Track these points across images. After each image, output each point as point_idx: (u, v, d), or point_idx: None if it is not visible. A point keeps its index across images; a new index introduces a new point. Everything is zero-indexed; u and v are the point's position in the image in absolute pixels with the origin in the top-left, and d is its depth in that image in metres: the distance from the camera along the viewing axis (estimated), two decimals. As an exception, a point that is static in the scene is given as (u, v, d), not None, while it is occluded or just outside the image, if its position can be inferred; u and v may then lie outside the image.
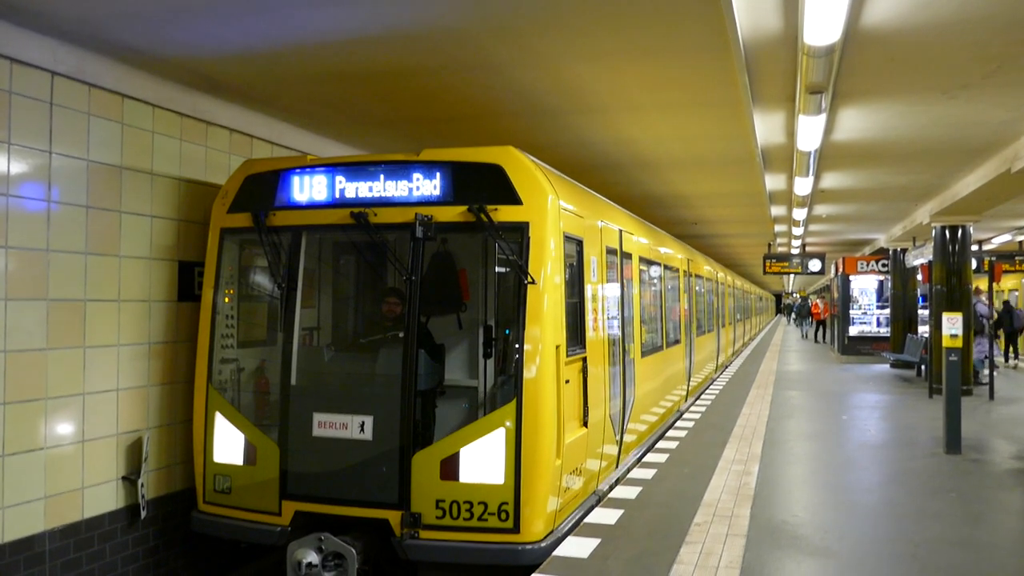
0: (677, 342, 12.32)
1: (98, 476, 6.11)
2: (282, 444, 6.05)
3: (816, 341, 33.37)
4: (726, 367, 20.48)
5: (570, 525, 6.08)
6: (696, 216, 17.57)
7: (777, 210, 16.73)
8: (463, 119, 8.34)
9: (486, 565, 5.61)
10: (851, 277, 23.92)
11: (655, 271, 10.86)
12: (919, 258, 17.48)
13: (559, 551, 5.45)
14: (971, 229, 15.23)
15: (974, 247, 17.05)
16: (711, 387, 15.62)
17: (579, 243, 6.59)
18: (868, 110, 8.33)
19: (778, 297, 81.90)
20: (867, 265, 23.71)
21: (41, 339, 5.63)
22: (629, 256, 8.74)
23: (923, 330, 19.22)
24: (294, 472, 6.01)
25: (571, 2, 5.23)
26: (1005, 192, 12.14)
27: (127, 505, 6.36)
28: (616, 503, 6.65)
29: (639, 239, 9.59)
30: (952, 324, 9.13)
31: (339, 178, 6.22)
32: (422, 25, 5.61)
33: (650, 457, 8.60)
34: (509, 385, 5.76)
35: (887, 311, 22.77)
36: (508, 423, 5.59)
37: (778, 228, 20.56)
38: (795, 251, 23.98)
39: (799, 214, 16.44)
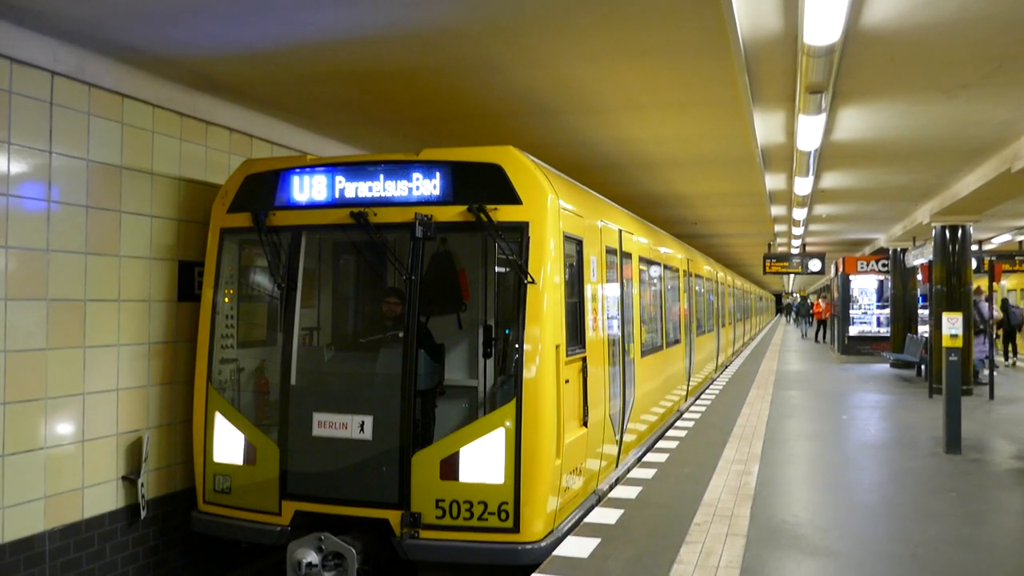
0: (677, 342, 12.32)
1: (98, 476, 6.11)
2: (282, 444, 6.06)
3: (817, 341, 33.38)
4: (726, 367, 20.48)
5: (570, 525, 6.08)
6: (696, 216, 17.57)
7: (777, 210, 16.73)
8: (463, 119, 8.34)
9: (486, 565, 5.61)
10: (851, 277, 23.92)
11: (655, 271, 10.86)
12: (919, 258, 17.48)
13: (559, 551, 5.45)
14: (971, 229, 15.23)
15: (974, 247, 17.04)
16: (711, 387, 15.61)
17: (579, 243, 6.59)
18: (868, 110, 8.33)
19: (778, 297, 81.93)
20: (867, 265, 23.71)
21: (41, 339, 5.63)
22: (629, 256, 8.74)
23: (923, 330, 19.23)
24: (294, 472, 6.01)
25: (571, 2, 5.23)
26: (1005, 192, 12.14)
27: (127, 505, 6.36)
28: (616, 503, 6.65)
29: (639, 239, 9.59)
30: (952, 324, 9.13)
31: (339, 178, 6.22)
32: (422, 25, 5.61)
33: (650, 457, 8.60)
34: (509, 385, 5.76)
35: (887, 311, 22.77)
36: (508, 423, 5.59)
37: (778, 228, 20.56)
38: (795, 251, 23.99)
39: (799, 214, 16.44)
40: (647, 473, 7.77)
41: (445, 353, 6.80)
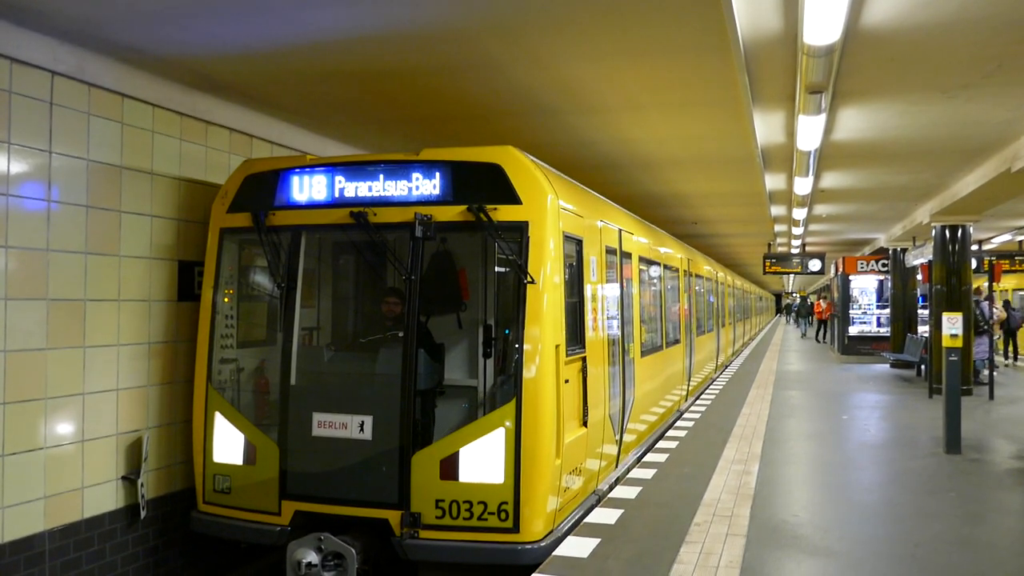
0: (677, 342, 12.32)
1: (98, 476, 6.11)
2: (282, 444, 6.05)
3: (818, 340, 33.40)
4: (726, 367, 20.48)
5: (570, 525, 6.08)
6: (696, 216, 17.57)
7: (777, 210, 16.73)
8: (463, 119, 8.34)
9: (486, 565, 5.61)
10: (851, 277, 23.92)
11: (655, 271, 10.86)
12: (919, 258, 17.47)
13: (559, 551, 5.45)
14: (971, 229, 15.22)
15: (974, 247, 17.04)
16: (711, 387, 15.61)
17: (579, 243, 6.59)
18: (868, 110, 8.33)
19: (778, 297, 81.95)
20: (867, 265, 23.71)
21: (41, 339, 5.63)
22: (629, 256, 8.74)
23: (923, 330, 19.23)
24: (294, 472, 6.01)
25: (572, 2, 5.23)
26: (1005, 192, 12.14)
27: (127, 505, 6.36)
28: (616, 503, 6.65)
29: (639, 239, 9.59)
30: (952, 324, 9.13)
31: (339, 178, 6.22)
32: (422, 24, 5.61)
33: (650, 457, 8.60)
34: (509, 385, 5.76)
35: (887, 311, 22.78)
36: (508, 423, 5.59)
37: (778, 228, 20.56)
38: (795, 251, 23.98)
39: (799, 214, 16.44)
40: (647, 473, 7.77)
41: (445, 353, 6.80)
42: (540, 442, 5.57)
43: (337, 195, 6.22)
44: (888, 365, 20.43)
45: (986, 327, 15.56)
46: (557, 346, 5.80)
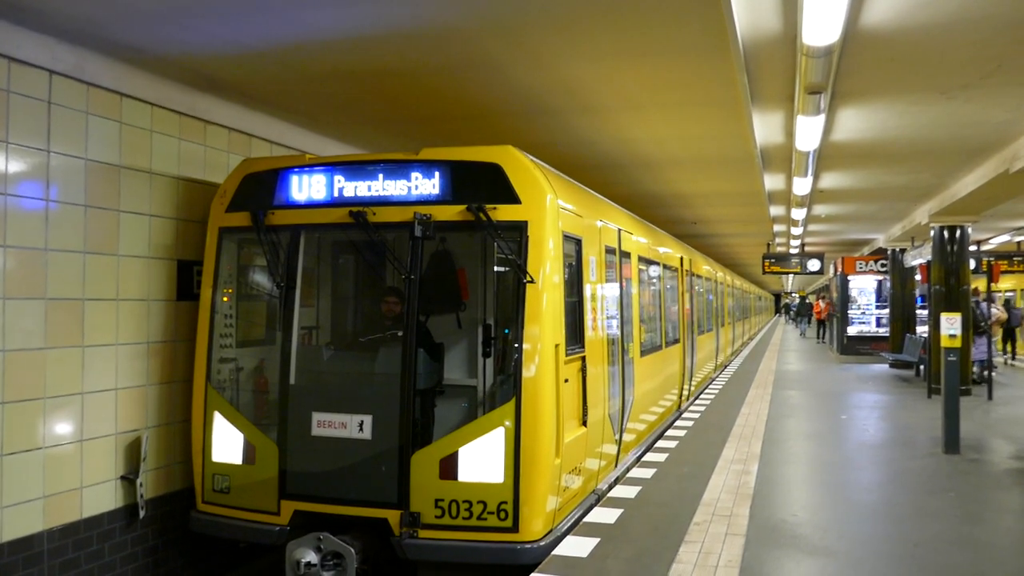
0: (676, 341, 12.32)
1: (97, 476, 6.10)
2: (281, 443, 6.05)
3: (819, 340, 33.45)
4: (725, 366, 20.49)
5: (569, 524, 6.07)
6: (695, 216, 17.58)
7: (776, 210, 16.73)
8: (463, 118, 8.34)
9: (485, 564, 5.61)
10: (850, 277, 23.94)
11: (654, 270, 10.86)
12: (918, 258, 17.49)
13: (558, 550, 5.45)
14: (969, 229, 15.23)
15: (972, 247, 17.05)
16: (710, 386, 15.62)
17: (578, 242, 6.59)
18: (867, 110, 8.33)
19: (777, 297, 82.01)
20: (866, 265, 23.73)
21: (39, 338, 5.62)
22: (628, 255, 8.74)
23: (921, 330, 19.25)
24: (293, 471, 6.00)
25: (571, 2, 5.23)
26: (1004, 192, 12.15)
27: (126, 505, 6.35)
28: (615, 502, 6.65)
29: (638, 238, 9.59)
30: (951, 324, 9.13)
31: (338, 177, 6.22)
32: (422, 24, 5.61)
33: (649, 456, 8.60)
34: (508, 384, 5.76)
35: (886, 311, 22.79)
36: (507, 422, 5.59)
37: (777, 228, 20.56)
38: (794, 251, 23.99)
39: (798, 214, 16.44)
40: (646, 472, 7.77)
41: (444, 352, 6.80)
42: (539, 441, 5.57)
43: (336, 194, 6.21)
44: (887, 365, 20.45)
45: (985, 326, 15.56)
46: (556, 346, 5.80)
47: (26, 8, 5.15)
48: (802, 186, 12.41)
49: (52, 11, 5.23)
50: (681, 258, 13.32)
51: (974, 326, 15.26)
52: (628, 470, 7.96)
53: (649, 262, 10.36)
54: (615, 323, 7.85)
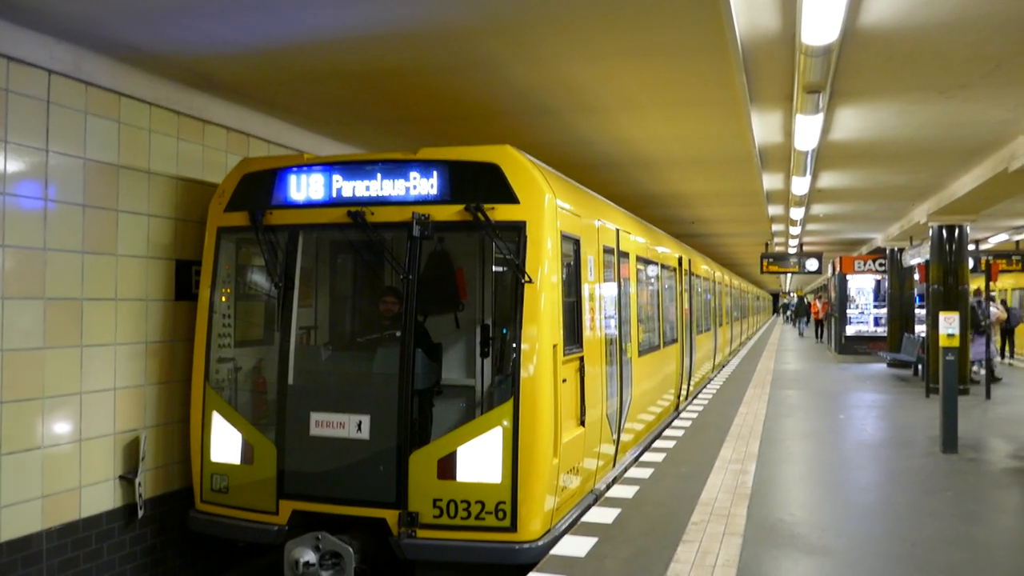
0: (674, 341, 12.32)
1: (95, 475, 6.10)
2: (279, 443, 6.05)
3: (817, 340, 33.49)
4: (724, 366, 20.51)
5: (567, 524, 6.08)
6: (694, 215, 17.58)
7: (774, 209, 16.74)
8: (461, 118, 8.34)
9: (483, 564, 5.61)
10: (848, 276, 23.97)
11: (652, 270, 10.86)
12: (916, 257, 17.50)
13: (556, 550, 5.45)
14: (968, 229, 15.25)
15: (971, 246, 17.07)
16: (709, 386, 15.63)
17: (576, 242, 6.59)
18: (865, 110, 8.34)
19: (775, 297, 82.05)
20: (864, 265, 23.76)
21: (38, 338, 5.61)
22: (626, 255, 8.74)
23: (920, 329, 19.26)
24: (291, 471, 6.00)
25: (571, 2, 5.23)
26: (1002, 192, 12.16)
27: (124, 504, 6.35)
28: (613, 502, 6.66)
29: (636, 238, 9.59)
30: (949, 324, 9.14)
31: (336, 177, 6.21)
32: (421, 24, 5.60)
33: (647, 456, 8.61)
34: (506, 384, 5.76)
35: (884, 310, 22.81)
36: (505, 422, 5.59)
37: (775, 227, 20.58)
38: (792, 250, 24.02)
39: (796, 213, 16.45)
40: (644, 472, 7.78)
41: (442, 352, 6.80)
42: (537, 441, 5.58)
43: (335, 194, 6.21)
44: (885, 364, 20.47)
45: (986, 326, 15.56)
46: (555, 346, 5.80)
47: (24, 7, 5.14)
48: (800, 185, 12.42)
49: (50, 10, 5.22)
50: (679, 258, 13.33)
51: (975, 325, 15.27)
52: (626, 470, 7.96)
53: (647, 262, 10.36)
54: (613, 323, 7.85)
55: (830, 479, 8.16)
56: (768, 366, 20.51)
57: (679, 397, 12.75)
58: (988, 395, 14.00)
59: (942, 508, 6.79)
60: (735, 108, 7.81)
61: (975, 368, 15.75)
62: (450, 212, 5.88)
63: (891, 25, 5.76)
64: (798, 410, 12.84)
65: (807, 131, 8.47)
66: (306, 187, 6.28)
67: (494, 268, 6.34)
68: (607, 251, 7.72)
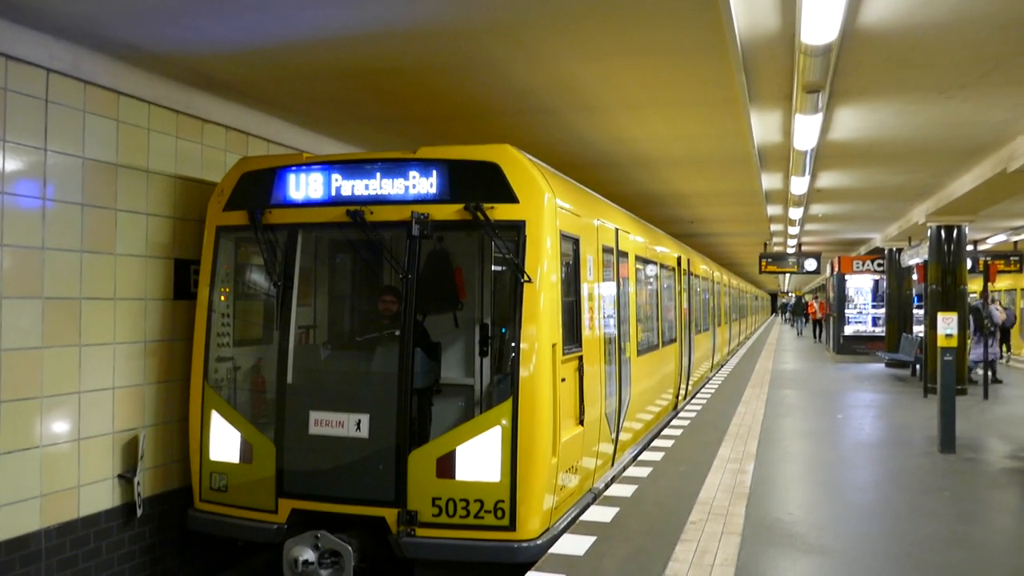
0: (673, 341, 12.33)
1: (94, 474, 6.09)
2: (278, 442, 6.05)
3: (816, 340, 33.51)
4: (722, 366, 20.52)
5: (566, 523, 6.08)
6: (693, 215, 17.59)
7: (773, 209, 16.75)
8: (461, 117, 8.34)
9: (482, 563, 5.62)
10: (847, 276, 23.98)
11: (651, 270, 10.87)
12: (914, 258, 17.52)
13: (555, 548, 5.46)
14: (966, 229, 15.26)
15: (969, 247, 17.09)
16: (707, 385, 15.64)
17: (575, 241, 6.60)
18: (865, 109, 8.34)
19: (774, 296, 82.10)
20: (863, 265, 23.77)
21: (37, 337, 5.61)
22: (625, 255, 8.75)
23: (918, 329, 19.28)
24: (290, 470, 6.00)
25: (570, 2, 5.23)
26: (1001, 192, 12.17)
27: (123, 503, 6.35)
28: (612, 501, 6.67)
29: (635, 238, 9.60)
30: (947, 324, 9.16)
31: (335, 176, 6.21)
32: (420, 23, 5.61)
33: (646, 455, 8.62)
34: (505, 383, 5.76)
35: (882, 311, 22.82)
36: (504, 421, 5.59)
37: (774, 227, 20.59)
38: (791, 250, 24.03)
39: (795, 213, 16.46)
40: (643, 471, 7.79)
41: (442, 351, 6.80)
42: (536, 440, 5.58)
43: (334, 193, 6.21)
44: (883, 364, 20.49)
45: (993, 329, 15.55)
46: (554, 345, 5.80)
47: (24, 6, 5.14)
48: (799, 185, 12.43)
49: (50, 9, 5.22)
50: (678, 257, 13.34)
51: (979, 328, 15.29)
52: (625, 469, 7.97)
53: (646, 261, 10.37)
54: (612, 322, 7.86)
55: (828, 479, 8.17)
56: (766, 366, 20.52)
57: (678, 396, 12.76)
58: (986, 395, 14.02)
59: (939, 508, 6.80)
60: (734, 108, 7.81)
61: (975, 369, 15.75)
62: (449, 211, 5.88)
63: (890, 25, 5.77)
64: (796, 410, 12.85)
65: (806, 131, 8.47)
66: (305, 186, 6.28)
67: (493, 267, 6.34)
68: (606, 250, 7.73)
